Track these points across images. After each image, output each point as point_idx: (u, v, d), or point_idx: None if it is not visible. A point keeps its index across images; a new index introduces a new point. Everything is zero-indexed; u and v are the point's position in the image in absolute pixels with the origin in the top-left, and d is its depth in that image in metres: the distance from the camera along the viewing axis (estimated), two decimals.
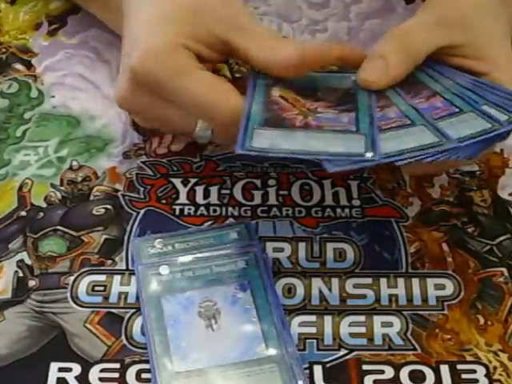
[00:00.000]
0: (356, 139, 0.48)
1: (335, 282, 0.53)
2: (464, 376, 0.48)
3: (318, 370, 0.48)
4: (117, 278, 0.53)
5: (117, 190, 0.58)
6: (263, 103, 0.51)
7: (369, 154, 0.47)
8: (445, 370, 0.49)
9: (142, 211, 0.57)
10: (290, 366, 0.47)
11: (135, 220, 0.56)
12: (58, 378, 0.48)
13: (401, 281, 0.53)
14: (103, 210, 0.57)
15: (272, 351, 0.48)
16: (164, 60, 0.50)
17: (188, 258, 0.52)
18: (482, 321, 0.51)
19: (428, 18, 0.55)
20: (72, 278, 0.53)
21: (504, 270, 0.54)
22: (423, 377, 0.48)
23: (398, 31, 0.54)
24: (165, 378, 0.47)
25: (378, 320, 0.51)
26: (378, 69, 0.53)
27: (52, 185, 0.59)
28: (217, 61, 0.54)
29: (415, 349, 0.50)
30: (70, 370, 0.48)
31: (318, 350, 0.50)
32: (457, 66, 0.54)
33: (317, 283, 0.53)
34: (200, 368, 0.47)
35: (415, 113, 0.51)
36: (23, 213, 0.57)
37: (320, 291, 0.52)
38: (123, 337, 0.50)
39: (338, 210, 0.57)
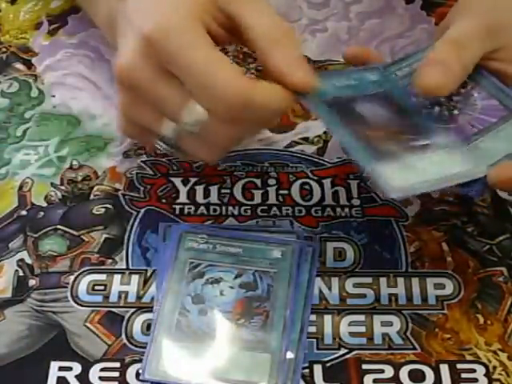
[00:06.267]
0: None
1: (335, 281, 0.53)
2: (464, 375, 0.48)
3: (317, 370, 0.49)
4: (117, 278, 0.53)
5: (117, 190, 0.58)
6: (350, 132, 0.49)
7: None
8: (444, 369, 0.49)
9: (143, 210, 0.57)
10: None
11: (135, 219, 0.56)
12: (59, 377, 0.48)
13: (400, 280, 0.53)
14: (103, 210, 0.57)
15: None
16: (182, 32, 0.48)
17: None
18: (481, 320, 0.51)
19: (475, 24, 0.53)
20: (72, 278, 0.53)
21: (504, 269, 0.54)
22: (423, 376, 0.49)
23: (452, 39, 0.52)
24: None
25: (377, 319, 0.51)
26: (439, 75, 0.51)
27: (52, 184, 0.59)
28: (222, 39, 0.52)
29: (415, 348, 0.50)
30: (70, 369, 0.48)
31: (318, 349, 0.50)
32: (492, 70, 0.54)
33: (317, 282, 0.53)
34: None
35: None
36: (23, 212, 0.57)
37: (320, 290, 0.52)
38: (123, 336, 0.50)
39: (338, 210, 0.57)
